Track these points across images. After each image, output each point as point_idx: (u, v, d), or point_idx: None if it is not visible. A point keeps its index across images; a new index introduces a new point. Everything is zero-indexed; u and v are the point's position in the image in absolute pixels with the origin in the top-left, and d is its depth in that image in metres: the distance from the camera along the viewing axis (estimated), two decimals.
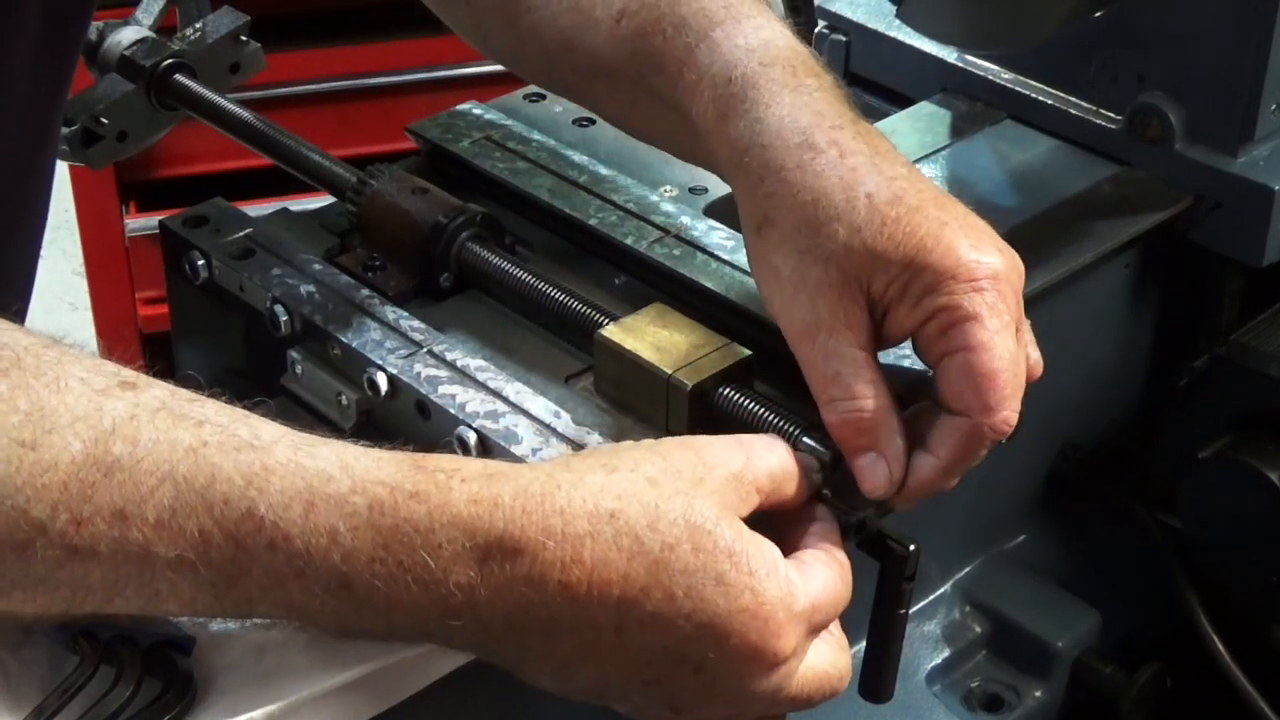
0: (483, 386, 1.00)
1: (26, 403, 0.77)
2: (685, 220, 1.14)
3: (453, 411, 0.99)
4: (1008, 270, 0.92)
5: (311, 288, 1.09)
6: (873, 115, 1.38)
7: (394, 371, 1.02)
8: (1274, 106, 1.23)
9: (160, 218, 1.17)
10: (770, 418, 0.95)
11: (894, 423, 0.92)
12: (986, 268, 0.91)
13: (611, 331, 1.00)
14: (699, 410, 0.97)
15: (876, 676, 0.95)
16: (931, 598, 1.26)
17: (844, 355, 0.92)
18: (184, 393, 0.82)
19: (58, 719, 0.80)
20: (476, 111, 1.28)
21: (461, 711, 0.94)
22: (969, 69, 1.37)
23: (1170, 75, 1.25)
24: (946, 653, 1.24)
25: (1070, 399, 1.29)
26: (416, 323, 1.06)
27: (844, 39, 1.43)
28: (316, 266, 1.11)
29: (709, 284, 1.08)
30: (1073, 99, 1.31)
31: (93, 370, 0.80)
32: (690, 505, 0.82)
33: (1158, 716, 1.25)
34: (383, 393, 1.02)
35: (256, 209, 1.22)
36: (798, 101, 0.96)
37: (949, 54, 1.38)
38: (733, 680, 0.84)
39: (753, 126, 0.96)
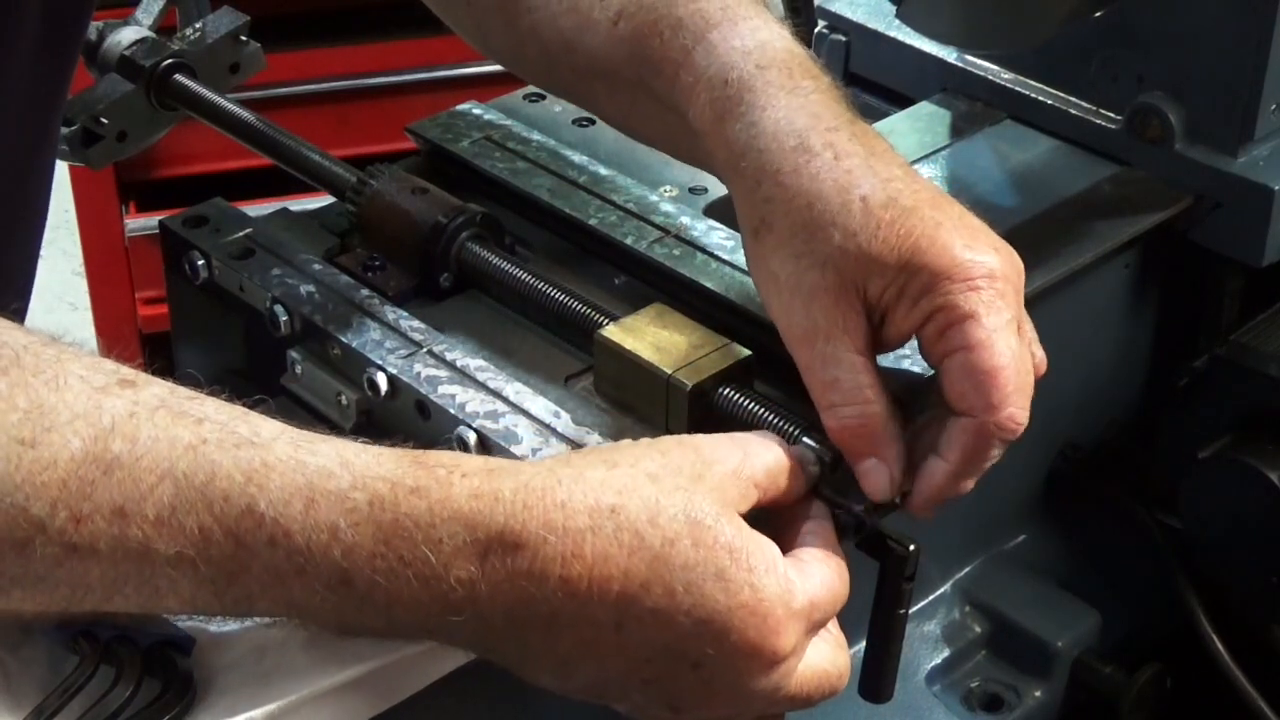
0: (482, 386, 1.00)
1: (26, 400, 0.77)
2: (685, 220, 1.14)
3: (452, 411, 0.99)
4: (1005, 268, 0.92)
5: (311, 288, 1.09)
6: (872, 115, 1.38)
7: (394, 371, 1.02)
8: (1274, 106, 1.23)
9: (160, 218, 1.17)
10: (770, 418, 0.95)
11: (894, 427, 0.92)
12: (982, 266, 0.90)
13: (611, 331, 1.00)
14: (699, 410, 0.97)
15: (876, 676, 0.95)
16: (931, 598, 1.26)
17: (842, 360, 0.92)
18: (183, 390, 0.82)
19: (58, 719, 0.80)
20: (476, 111, 1.28)
21: (461, 711, 0.94)
22: (969, 69, 1.37)
23: (1170, 75, 1.25)
24: (946, 653, 1.24)
25: (1070, 399, 1.28)
26: (416, 323, 1.06)
27: (844, 39, 1.43)
28: (316, 266, 1.11)
29: (709, 284, 1.08)
30: (1073, 99, 1.31)
31: (92, 368, 0.80)
32: (690, 501, 0.83)
33: (1158, 716, 1.25)
34: (383, 393, 1.02)
35: (256, 209, 1.22)
36: (794, 104, 0.96)
37: (949, 54, 1.38)
38: (731, 678, 0.84)
39: (749, 129, 0.96)
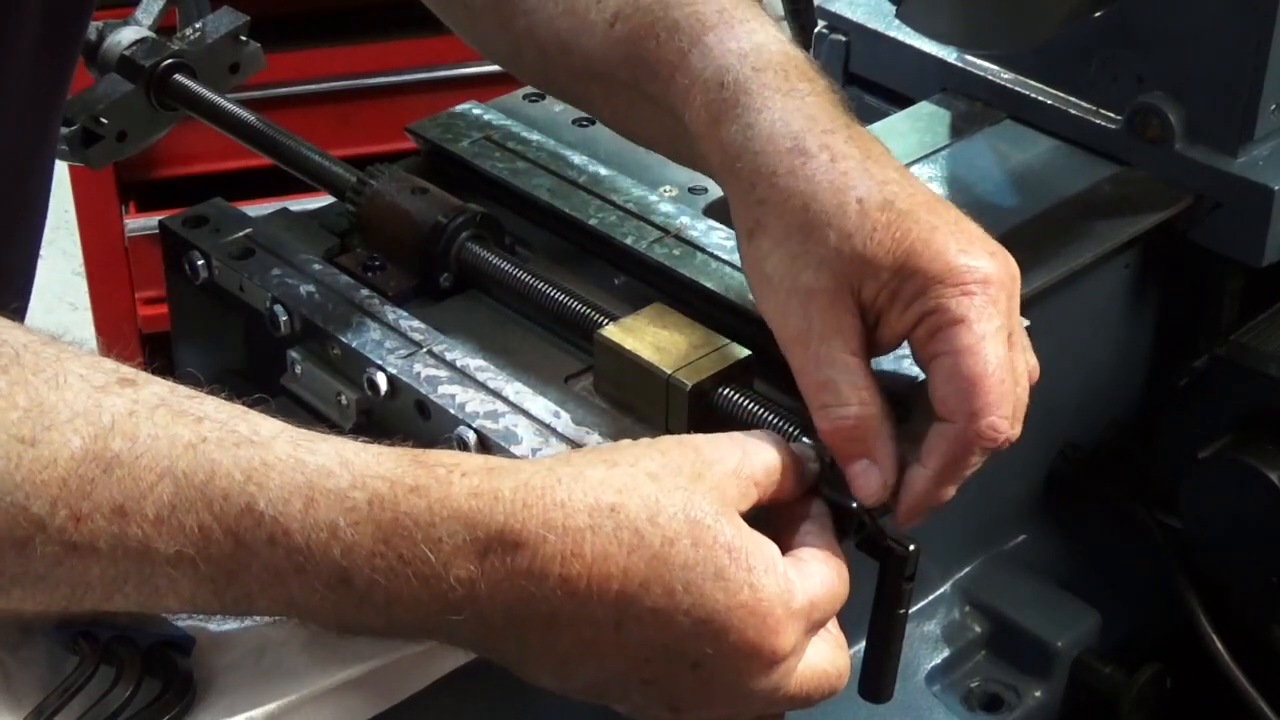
0: (482, 386, 1.00)
1: (26, 399, 0.77)
2: (685, 220, 1.14)
3: (452, 411, 0.99)
4: (999, 274, 0.91)
5: (311, 288, 1.09)
6: (872, 115, 1.38)
7: (394, 371, 1.02)
8: (1274, 106, 1.23)
9: (160, 218, 1.17)
10: (769, 418, 0.95)
11: (886, 429, 0.91)
12: (976, 272, 0.90)
13: (611, 331, 1.00)
14: (698, 410, 0.97)
15: (876, 676, 0.95)
16: (931, 598, 1.26)
17: (836, 362, 0.91)
18: (183, 389, 0.82)
19: (58, 719, 0.80)
20: (476, 111, 1.28)
21: (461, 711, 0.94)
22: (969, 69, 1.37)
23: (1170, 75, 1.25)
24: (946, 653, 1.24)
25: (1070, 399, 1.28)
26: (416, 323, 1.06)
27: (843, 39, 1.43)
28: (316, 266, 1.11)
29: (709, 284, 1.08)
30: (1073, 99, 1.31)
31: (92, 367, 0.80)
32: (690, 500, 0.83)
33: (1158, 716, 1.25)
34: (382, 393, 1.02)
35: (256, 209, 1.22)
36: (789, 106, 0.96)
37: (949, 54, 1.38)
38: (731, 677, 0.84)
39: (744, 132, 0.96)
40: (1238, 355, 1.24)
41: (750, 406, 0.96)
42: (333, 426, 1.01)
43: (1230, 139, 1.24)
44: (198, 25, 1.34)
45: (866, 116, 1.36)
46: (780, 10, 1.56)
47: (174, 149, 2.52)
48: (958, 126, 1.35)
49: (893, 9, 1.32)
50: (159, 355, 1.03)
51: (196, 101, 1.28)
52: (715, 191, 1.21)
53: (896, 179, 0.94)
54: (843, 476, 0.92)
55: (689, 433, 0.93)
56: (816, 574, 0.86)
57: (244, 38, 1.37)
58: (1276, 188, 1.21)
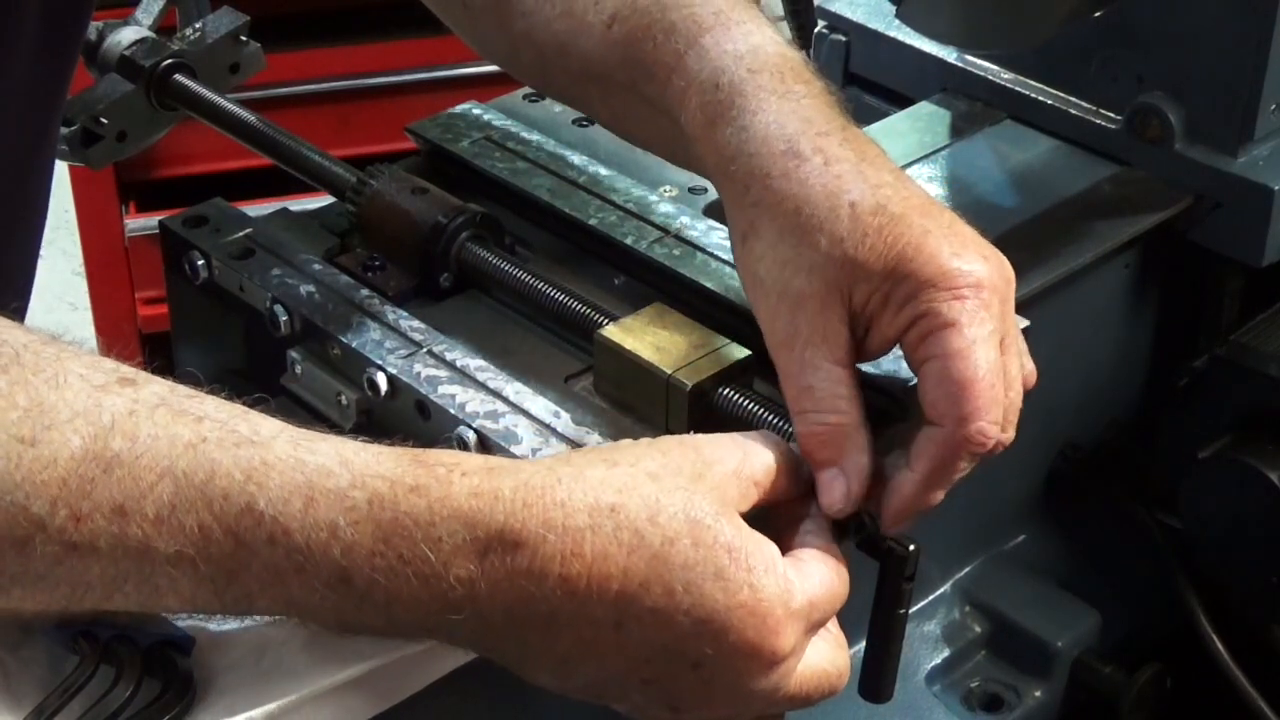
0: (482, 386, 1.00)
1: (26, 399, 0.77)
2: (685, 220, 1.14)
3: (452, 411, 0.99)
4: (993, 278, 0.90)
5: (311, 288, 1.09)
6: (872, 115, 1.38)
7: (394, 371, 1.02)
8: (1274, 106, 1.23)
9: (160, 218, 1.17)
10: (769, 418, 0.95)
11: (859, 440, 0.91)
12: (968, 276, 0.89)
13: (611, 331, 1.00)
14: (698, 410, 0.97)
15: (876, 676, 0.95)
16: (931, 598, 1.26)
17: (819, 368, 0.91)
18: (183, 389, 0.82)
19: (58, 719, 0.80)
20: (476, 111, 1.28)
21: (462, 711, 0.94)
22: (969, 69, 1.37)
23: (1170, 75, 1.25)
24: (946, 653, 1.24)
25: (1070, 399, 1.28)
26: (416, 323, 1.06)
27: (843, 39, 1.44)
28: (316, 266, 1.11)
29: (709, 284, 1.08)
30: (1073, 99, 1.31)
31: (92, 366, 0.80)
32: (690, 500, 0.82)
33: (1158, 716, 1.25)
34: (383, 393, 1.02)
35: (256, 209, 1.22)
36: (785, 108, 0.96)
37: (949, 54, 1.38)
38: (731, 678, 0.84)
39: (739, 134, 0.96)
40: (1238, 355, 1.24)
41: (750, 406, 0.96)
42: (333, 426, 1.01)
43: (1230, 139, 1.24)
44: (198, 25, 1.35)
45: (866, 116, 1.36)
46: (779, 10, 1.56)
47: (174, 149, 2.52)
48: (958, 126, 1.35)
49: (893, 9, 1.32)
50: (159, 355, 1.03)
51: (196, 101, 1.28)
52: (715, 192, 1.21)
53: (891, 182, 0.93)
54: None
55: (689, 433, 0.93)
56: (816, 574, 0.86)
57: (244, 38, 1.37)
58: (1276, 188, 1.21)
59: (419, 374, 1.01)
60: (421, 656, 0.87)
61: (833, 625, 0.89)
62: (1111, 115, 1.29)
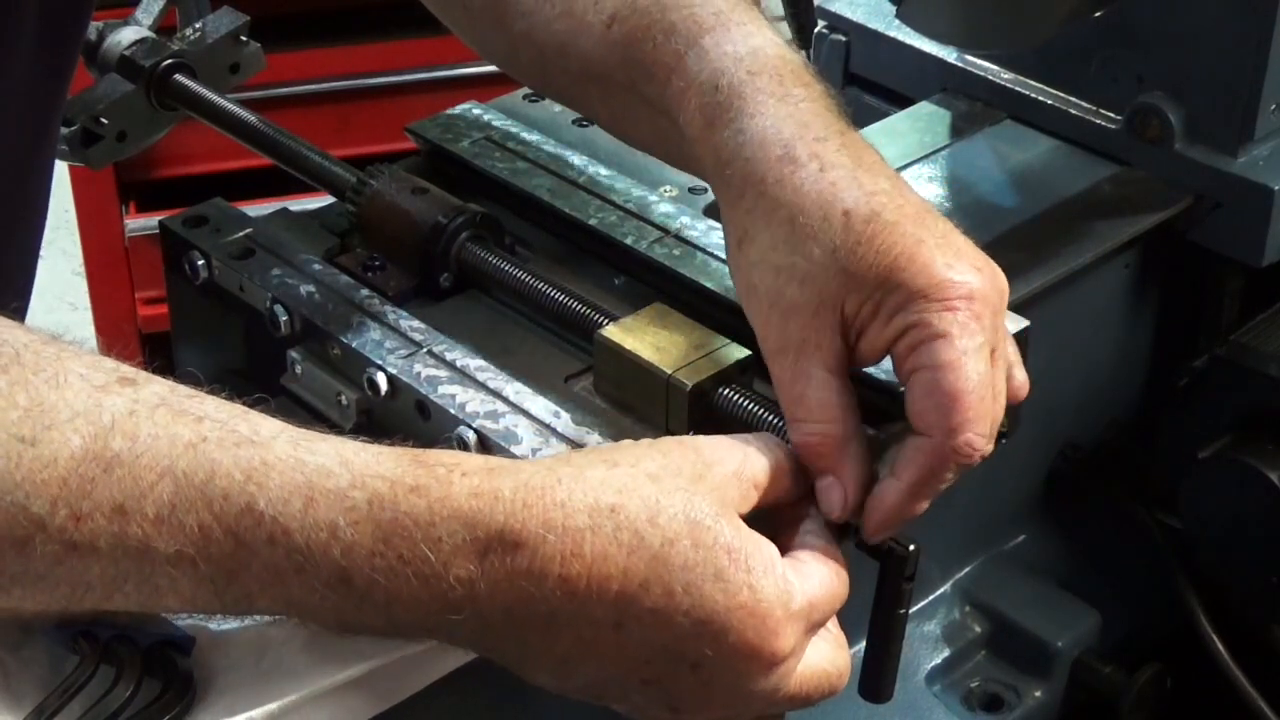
0: (483, 386, 1.00)
1: (26, 398, 0.77)
2: (685, 220, 1.14)
3: (453, 411, 0.99)
4: (985, 289, 0.90)
5: (311, 288, 1.09)
6: (872, 115, 1.38)
7: (394, 371, 1.02)
8: (1274, 106, 1.23)
9: (160, 218, 1.17)
10: (769, 418, 0.95)
11: (854, 448, 0.91)
12: (960, 286, 0.89)
13: (611, 331, 1.00)
14: (699, 410, 0.97)
15: (876, 676, 0.95)
16: (931, 598, 1.26)
17: (812, 377, 0.91)
18: (183, 389, 0.82)
19: (58, 719, 0.80)
20: (476, 111, 1.28)
21: (462, 711, 0.94)
22: (969, 69, 1.37)
23: (1170, 75, 1.25)
24: (946, 653, 1.24)
25: (1070, 399, 1.29)
26: (416, 323, 1.06)
27: (843, 39, 1.44)
28: (316, 266, 1.11)
29: (709, 284, 1.08)
30: (1073, 99, 1.31)
31: (92, 366, 0.80)
32: (690, 501, 0.82)
33: (1158, 716, 1.25)
34: (383, 393, 1.02)
35: (256, 209, 1.22)
36: (782, 112, 0.96)
37: (949, 54, 1.38)
38: (730, 679, 0.84)
39: (736, 137, 0.95)
40: (1238, 355, 1.24)
41: (750, 406, 0.96)
42: (333, 426, 1.01)
43: (1230, 139, 1.24)
44: (198, 25, 1.35)
45: (866, 117, 1.36)
46: (779, 10, 1.56)
47: (174, 149, 2.52)
48: (958, 126, 1.35)
49: (893, 9, 1.32)
50: (159, 355, 1.03)
51: (196, 101, 1.28)
52: None
53: (887, 189, 0.93)
54: None
55: (689, 433, 0.93)
56: (815, 575, 0.86)
57: (244, 38, 1.37)
58: (1276, 188, 1.21)
59: (419, 374, 1.01)
60: (421, 656, 0.87)
61: (832, 625, 0.89)
62: (1111, 115, 1.29)
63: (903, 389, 0.91)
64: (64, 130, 1.29)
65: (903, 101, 1.40)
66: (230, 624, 0.86)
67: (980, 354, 0.89)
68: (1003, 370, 0.92)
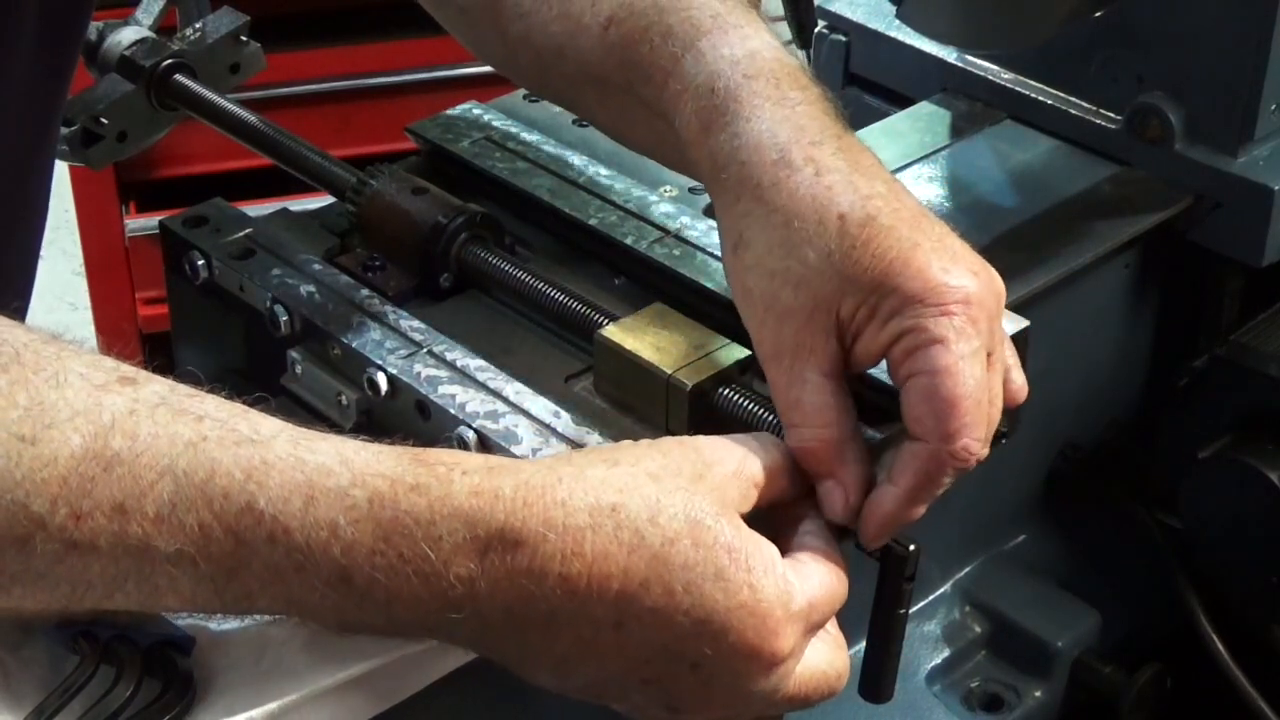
0: (483, 386, 1.00)
1: (26, 398, 0.77)
2: (685, 220, 1.14)
3: (453, 411, 0.99)
4: (981, 294, 0.89)
5: (311, 288, 1.09)
6: (872, 115, 1.38)
7: (394, 371, 1.02)
8: (1274, 106, 1.23)
9: (160, 218, 1.17)
10: (769, 418, 0.95)
11: (852, 451, 0.90)
12: (957, 291, 0.89)
13: (611, 331, 1.00)
14: (699, 410, 0.97)
15: (876, 676, 0.95)
16: (931, 598, 1.26)
17: (808, 382, 0.91)
18: (183, 388, 0.82)
19: (58, 719, 0.80)
20: (476, 111, 1.28)
21: (462, 711, 0.94)
22: (969, 69, 1.37)
23: (1170, 75, 1.25)
24: (946, 653, 1.24)
25: (1070, 399, 1.29)
26: (416, 323, 1.06)
27: (843, 39, 1.44)
28: (316, 266, 1.11)
29: (709, 284, 1.08)
30: (1073, 99, 1.31)
31: (92, 366, 0.80)
32: (691, 501, 0.82)
33: (1158, 716, 1.25)
34: (383, 393, 1.02)
35: (256, 209, 1.22)
36: (778, 115, 0.95)
37: (949, 54, 1.38)
38: (730, 679, 0.84)
39: (732, 140, 0.95)
40: (1238, 355, 1.24)
41: (750, 406, 0.96)
42: (333, 426, 1.01)
43: (1230, 139, 1.24)
44: (198, 25, 1.35)
45: (866, 117, 1.36)
46: (779, 10, 1.56)
47: (174, 149, 2.52)
48: (958, 126, 1.35)
49: (893, 9, 1.32)
50: (159, 355, 1.03)
51: (196, 101, 1.28)
52: None
53: (883, 193, 0.92)
54: None
55: (689, 433, 0.93)
56: (815, 575, 0.86)
57: (244, 38, 1.37)
58: (1276, 188, 1.21)
59: (419, 374, 1.01)
60: (421, 656, 0.87)
61: (832, 626, 0.89)
62: (1111, 115, 1.29)
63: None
64: (64, 130, 1.29)
65: (903, 101, 1.40)
66: (230, 624, 0.86)
67: (976, 359, 0.88)
68: (999, 374, 0.92)
